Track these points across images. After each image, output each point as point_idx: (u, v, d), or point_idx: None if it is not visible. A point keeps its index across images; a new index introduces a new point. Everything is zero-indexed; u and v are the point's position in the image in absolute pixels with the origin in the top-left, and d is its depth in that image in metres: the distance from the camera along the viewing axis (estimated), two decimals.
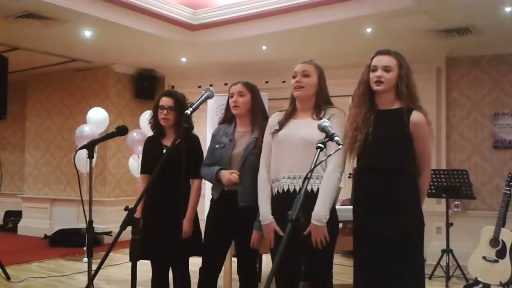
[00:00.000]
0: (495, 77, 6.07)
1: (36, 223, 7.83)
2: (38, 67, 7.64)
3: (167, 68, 7.74)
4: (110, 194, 7.53)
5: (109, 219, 7.09)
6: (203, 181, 3.16)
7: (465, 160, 6.14)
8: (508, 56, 6.00)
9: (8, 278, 4.90)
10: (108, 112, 6.56)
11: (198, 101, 2.46)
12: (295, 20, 5.28)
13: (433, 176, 5.03)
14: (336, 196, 2.62)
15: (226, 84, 5.17)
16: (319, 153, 2.06)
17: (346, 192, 4.54)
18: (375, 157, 2.46)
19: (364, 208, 2.51)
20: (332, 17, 5.08)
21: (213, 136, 3.05)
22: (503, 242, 4.44)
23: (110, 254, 2.15)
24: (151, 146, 3.31)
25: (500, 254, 4.42)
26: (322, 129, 2.17)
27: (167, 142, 3.24)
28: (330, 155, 2.12)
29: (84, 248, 5.72)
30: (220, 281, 3.25)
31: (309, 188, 2.50)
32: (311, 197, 2.47)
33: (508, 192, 4.61)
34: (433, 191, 5.10)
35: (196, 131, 3.33)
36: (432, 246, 5.61)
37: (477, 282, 4.49)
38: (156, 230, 3.08)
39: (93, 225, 2.92)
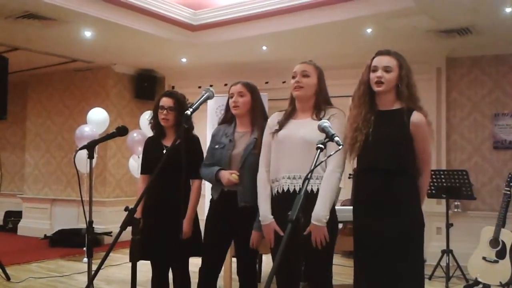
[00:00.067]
0: (495, 78, 6.07)
1: (36, 223, 7.83)
2: (38, 68, 7.65)
3: (167, 69, 7.74)
4: (110, 194, 7.53)
5: (109, 220, 7.09)
6: (203, 181, 3.16)
7: (465, 161, 6.14)
8: (508, 56, 6.00)
9: (8, 278, 4.90)
10: (108, 112, 6.57)
11: (198, 102, 2.47)
12: (295, 20, 5.28)
13: (433, 176, 5.02)
14: (336, 196, 2.63)
15: (226, 84, 5.16)
16: (319, 153, 2.05)
17: (346, 192, 4.55)
18: (375, 158, 2.46)
19: (364, 208, 2.51)
20: (332, 18, 5.09)
21: (213, 136, 3.05)
22: (503, 242, 4.43)
23: (110, 254, 2.16)
24: (151, 147, 3.31)
25: (500, 255, 4.42)
26: (322, 129, 2.17)
27: (167, 142, 3.24)
28: (330, 155, 2.12)
29: (84, 249, 5.72)
30: (220, 281, 3.25)
31: (309, 188, 2.50)
32: (311, 198, 2.47)
33: (508, 192, 4.61)
34: (433, 191, 5.10)
35: (196, 131, 3.33)
36: (432, 246, 5.61)
37: (477, 282, 4.48)
38: (156, 231, 3.08)
39: (93, 226, 2.91)
